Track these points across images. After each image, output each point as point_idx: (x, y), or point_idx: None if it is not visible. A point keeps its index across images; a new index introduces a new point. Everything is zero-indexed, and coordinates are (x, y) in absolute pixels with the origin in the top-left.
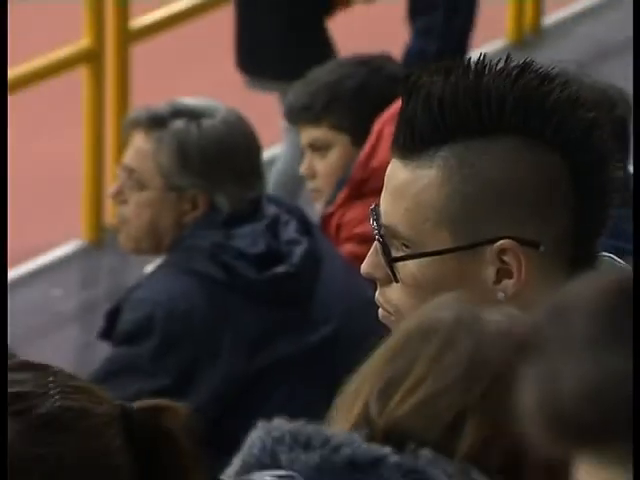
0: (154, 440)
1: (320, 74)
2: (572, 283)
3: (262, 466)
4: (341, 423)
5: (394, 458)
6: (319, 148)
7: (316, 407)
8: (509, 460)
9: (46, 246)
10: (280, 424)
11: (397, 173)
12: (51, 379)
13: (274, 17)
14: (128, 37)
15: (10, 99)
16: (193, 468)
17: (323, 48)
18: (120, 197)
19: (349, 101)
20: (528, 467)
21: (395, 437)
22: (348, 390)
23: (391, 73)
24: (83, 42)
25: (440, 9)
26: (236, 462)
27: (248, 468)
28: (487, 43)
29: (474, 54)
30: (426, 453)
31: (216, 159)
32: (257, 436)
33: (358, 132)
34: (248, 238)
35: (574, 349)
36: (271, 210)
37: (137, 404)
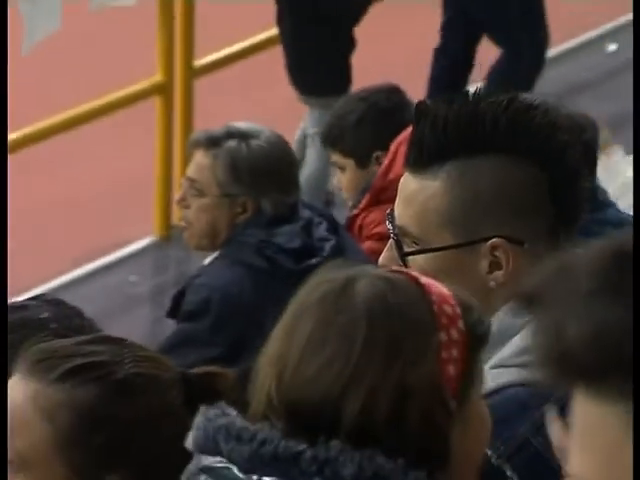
0: (208, 400)
1: (336, 107)
2: (574, 249)
3: (209, 450)
4: (254, 406)
5: (309, 452)
6: (339, 168)
7: None
8: (392, 415)
9: (125, 241)
10: (216, 415)
11: (408, 184)
12: (125, 350)
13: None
14: (193, 73)
15: (101, 122)
16: None
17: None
18: (184, 202)
19: (351, 133)
20: (409, 419)
21: (296, 418)
22: (254, 373)
23: (385, 107)
24: (156, 78)
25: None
26: (189, 440)
27: (199, 449)
28: (479, 81)
29: (473, 88)
30: (336, 444)
31: (261, 172)
32: (201, 421)
33: (360, 157)
34: (287, 236)
35: (575, 301)
36: (306, 213)
37: (195, 370)
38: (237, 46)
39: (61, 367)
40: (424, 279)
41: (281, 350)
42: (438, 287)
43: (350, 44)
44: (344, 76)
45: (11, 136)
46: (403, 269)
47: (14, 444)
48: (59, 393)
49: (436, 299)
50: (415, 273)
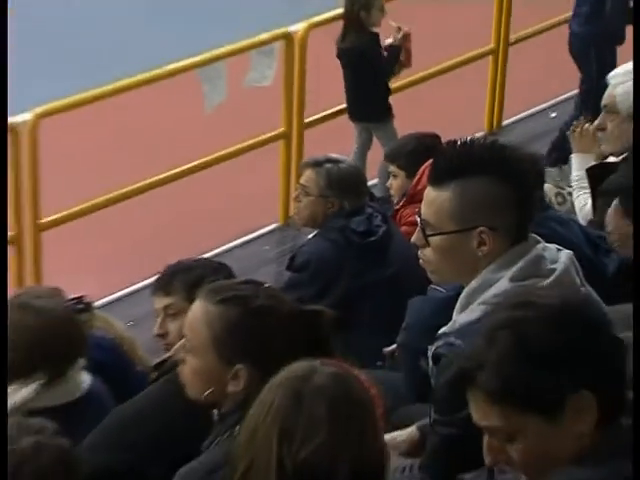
0: (314, 329)
1: (399, 140)
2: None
3: None
4: (262, 466)
5: None
6: (393, 175)
7: (389, 311)
8: (367, 473)
9: (262, 225)
10: None
11: (429, 193)
12: (261, 289)
13: (366, 82)
14: (304, 126)
15: (247, 156)
16: (332, 348)
17: (387, 105)
18: (297, 199)
19: (405, 156)
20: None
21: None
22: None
23: (428, 144)
24: (280, 129)
25: None
26: None
27: None
28: (474, 132)
29: (469, 137)
30: None
31: (345, 183)
32: None
33: (410, 171)
34: (357, 223)
35: None
36: (369, 210)
37: (304, 307)
38: (328, 111)
39: (221, 295)
40: (354, 370)
41: (287, 427)
42: (362, 374)
43: (388, 89)
44: (387, 108)
45: (191, 164)
46: (339, 362)
47: (188, 338)
48: (218, 310)
49: (367, 384)
50: (347, 365)
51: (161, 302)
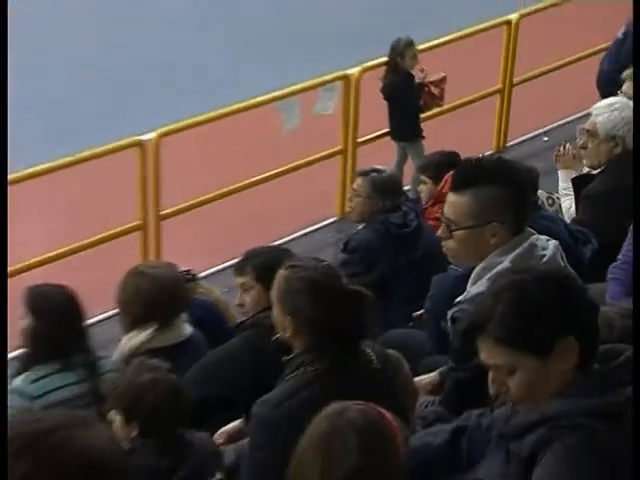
0: (356, 306)
1: (428, 155)
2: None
3: None
4: None
5: None
6: (423, 183)
7: (418, 285)
8: None
9: (325, 218)
10: None
11: (450, 197)
12: (320, 264)
13: (401, 116)
14: (356, 145)
15: (316, 166)
16: (369, 324)
17: (417, 129)
18: (350, 200)
19: (433, 168)
20: None
21: None
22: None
23: (450, 159)
24: (339, 147)
25: None
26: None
27: None
28: (485, 151)
29: (481, 154)
30: None
31: (386, 187)
32: None
33: (436, 180)
34: (395, 217)
35: None
36: (404, 207)
37: (351, 287)
38: (375, 133)
39: (291, 264)
40: (381, 410)
41: (325, 455)
42: (387, 413)
43: (417, 117)
44: (417, 132)
45: (272, 172)
46: (370, 404)
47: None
48: (285, 274)
49: (391, 419)
50: (374, 405)
51: (238, 280)
